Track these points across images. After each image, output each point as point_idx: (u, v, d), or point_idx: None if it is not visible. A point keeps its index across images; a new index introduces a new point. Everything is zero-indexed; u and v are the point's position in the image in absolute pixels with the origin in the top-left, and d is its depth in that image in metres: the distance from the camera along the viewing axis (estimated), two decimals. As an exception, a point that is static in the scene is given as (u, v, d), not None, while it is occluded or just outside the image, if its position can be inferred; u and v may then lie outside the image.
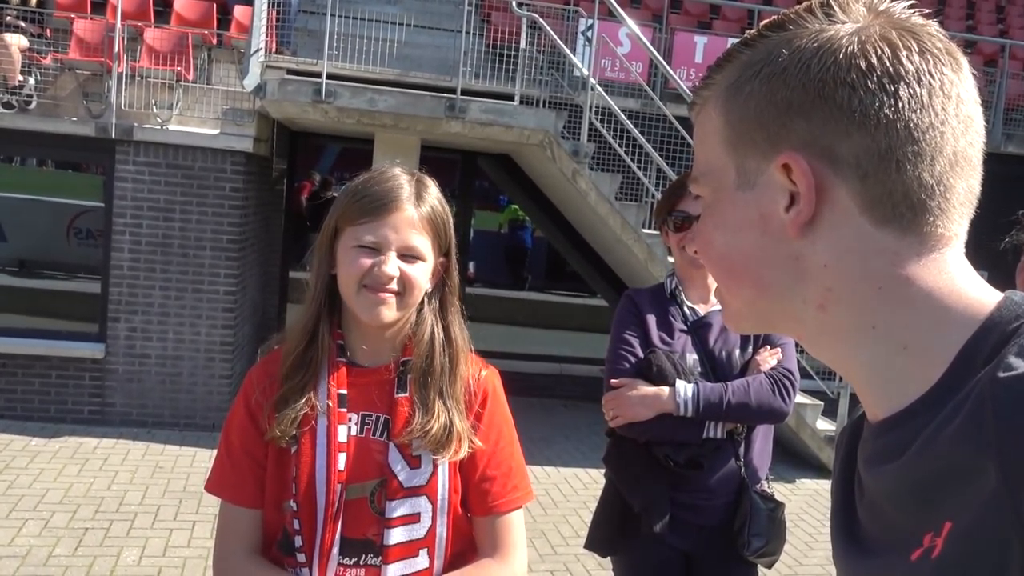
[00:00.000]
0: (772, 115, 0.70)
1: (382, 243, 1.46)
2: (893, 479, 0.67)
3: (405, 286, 1.47)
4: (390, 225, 1.46)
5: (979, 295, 0.68)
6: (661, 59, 7.38)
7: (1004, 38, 10.60)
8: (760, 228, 0.72)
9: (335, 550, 1.46)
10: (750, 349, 2.39)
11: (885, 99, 0.66)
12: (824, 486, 6.72)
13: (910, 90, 0.67)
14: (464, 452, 1.51)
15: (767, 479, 2.45)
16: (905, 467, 0.65)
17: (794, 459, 7.24)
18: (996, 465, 0.57)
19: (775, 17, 0.72)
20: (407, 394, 1.51)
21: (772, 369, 2.33)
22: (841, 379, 7.06)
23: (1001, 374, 0.59)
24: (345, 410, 1.50)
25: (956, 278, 0.69)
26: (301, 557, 1.47)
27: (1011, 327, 0.64)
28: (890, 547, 0.68)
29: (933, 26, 0.70)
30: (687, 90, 7.05)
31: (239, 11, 8.09)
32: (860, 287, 0.69)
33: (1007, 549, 0.56)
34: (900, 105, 0.66)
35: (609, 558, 2.54)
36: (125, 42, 6.95)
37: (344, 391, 1.50)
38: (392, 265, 1.46)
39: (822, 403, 7.18)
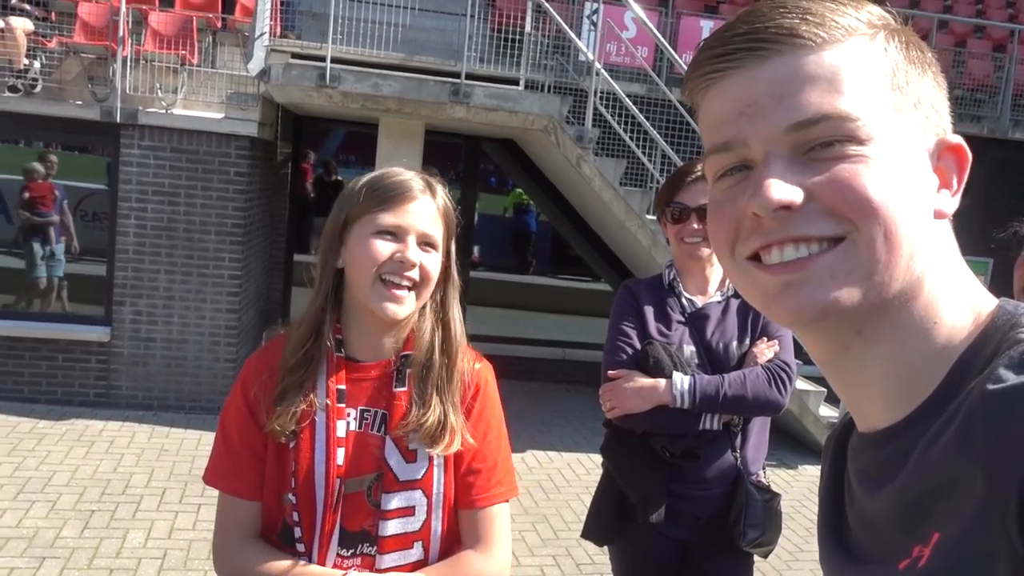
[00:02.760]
0: (937, 92, 0.70)
1: (403, 227, 1.47)
2: (890, 501, 0.67)
3: (423, 276, 1.49)
4: (411, 212, 1.48)
5: (980, 300, 0.69)
6: (666, 44, 7.34)
7: (1013, 23, 10.50)
8: (928, 199, 0.69)
9: (334, 541, 1.49)
10: (747, 341, 2.39)
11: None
12: (826, 472, 6.74)
13: None
14: (456, 447, 1.52)
15: (763, 470, 2.47)
16: (901, 487, 0.66)
17: (797, 445, 7.26)
18: (984, 477, 0.57)
19: None
20: (405, 388, 1.52)
21: (769, 361, 2.33)
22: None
23: (990, 386, 0.59)
24: (344, 406, 1.51)
25: (964, 280, 0.69)
26: (301, 547, 1.49)
27: (1003, 336, 0.64)
28: (879, 556, 0.68)
29: None
30: (692, 75, 6.99)
31: (243, -6, 8.07)
32: (935, 283, 0.68)
33: (993, 560, 0.57)
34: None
35: (606, 547, 2.57)
36: (130, 26, 6.94)
37: (343, 387, 1.51)
38: (414, 252, 1.47)
39: (825, 390, 7.18)
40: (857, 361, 0.70)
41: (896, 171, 0.66)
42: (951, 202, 0.68)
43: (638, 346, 2.35)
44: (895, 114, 0.67)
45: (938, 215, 0.68)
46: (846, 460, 0.76)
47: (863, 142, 0.66)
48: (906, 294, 0.67)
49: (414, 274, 1.47)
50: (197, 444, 6.28)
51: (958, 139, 0.68)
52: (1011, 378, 0.59)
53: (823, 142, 0.67)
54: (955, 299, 0.68)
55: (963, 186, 0.68)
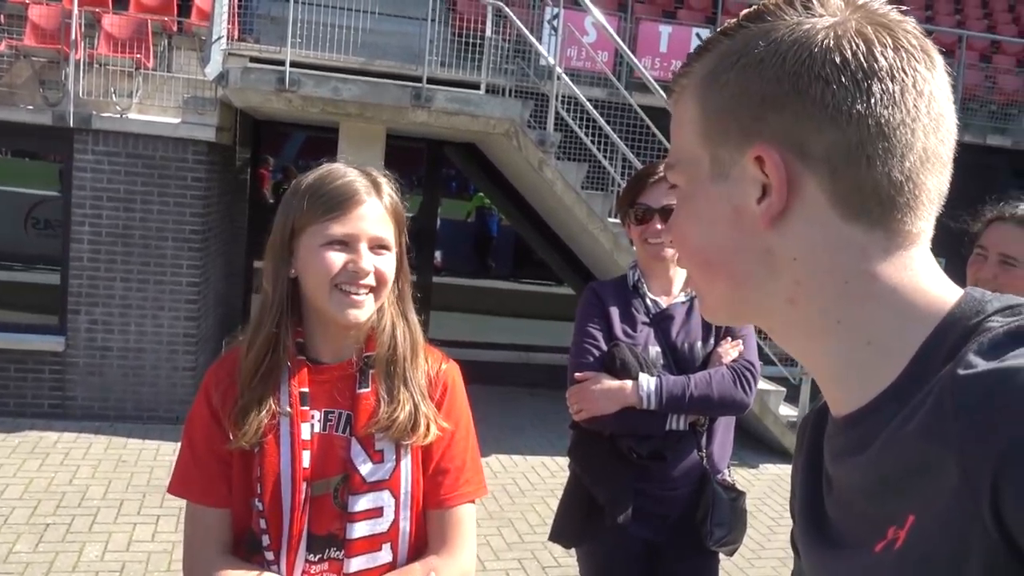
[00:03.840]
0: (747, 107, 0.70)
1: (354, 236, 1.45)
2: (859, 472, 0.69)
3: (378, 280, 1.47)
4: (360, 217, 1.46)
5: (941, 292, 0.70)
6: (626, 49, 7.40)
7: (961, 28, 10.77)
8: (733, 220, 0.72)
9: (303, 546, 1.47)
10: (712, 341, 2.41)
11: (857, 95, 0.67)
12: (787, 471, 6.81)
13: (883, 86, 0.67)
14: (433, 435, 1.51)
15: (728, 469, 2.49)
16: (870, 460, 0.67)
17: (757, 444, 7.34)
18: (957, 462, 0.58)
19: (754, 7, 0.72)
20: (370, 389, 1.51)
21: (734, 361, 2.36)
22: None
23: (961, 371, 0.60)
24: (308, 408, 1.49)
25: (920, 274, 0.70)
26: (269, 555, 1.47)
27: (971, 323, 0.65)
28: (856, 539, 0.69)
29: (910, 23, 0.70)
30: (652, 79, 7.07)
31: (200, -3, 7.96)
32: (827, 281, 0.70)
33: (967, 543, 0.58)
34: (872, 101, 0.67)
35: (573, 550, 2.57)
36: (82, 28, 6.80)
37: (306, 389, 1.50)
38: (367, 259, 1.45)
39: (784, 389, 7.29)
40: (799, 355, 0.76)
41: (701, 205, 0.75)
42: (771, 208, 0.70)
43: (604, 348, 2.35)
44: (704, 150, 0.74)
45: (770, 223, 0.70)
46: (822, 446, 0.78)
47: (681, 185, 0.77)
48: (780, 298, 0.72)
49: (370, 280, 1.46)
50: (155, 454, 6.16)
51: (765, 148, 0.69)
52: (981, 364, 0.60)
53: None
54: (871, 295, 0.69)
55: (784, 189, 0.69)
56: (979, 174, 7.50)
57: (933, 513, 0.60)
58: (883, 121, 0.67)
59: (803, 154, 0.68)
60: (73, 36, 6.57)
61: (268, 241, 1.53)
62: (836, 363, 0.72)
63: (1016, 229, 2.13)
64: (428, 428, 1.50)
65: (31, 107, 6.60)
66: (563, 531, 2.51)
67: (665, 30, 9.09)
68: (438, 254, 9.55)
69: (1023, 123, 9.73)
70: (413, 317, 1.59)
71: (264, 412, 1.45)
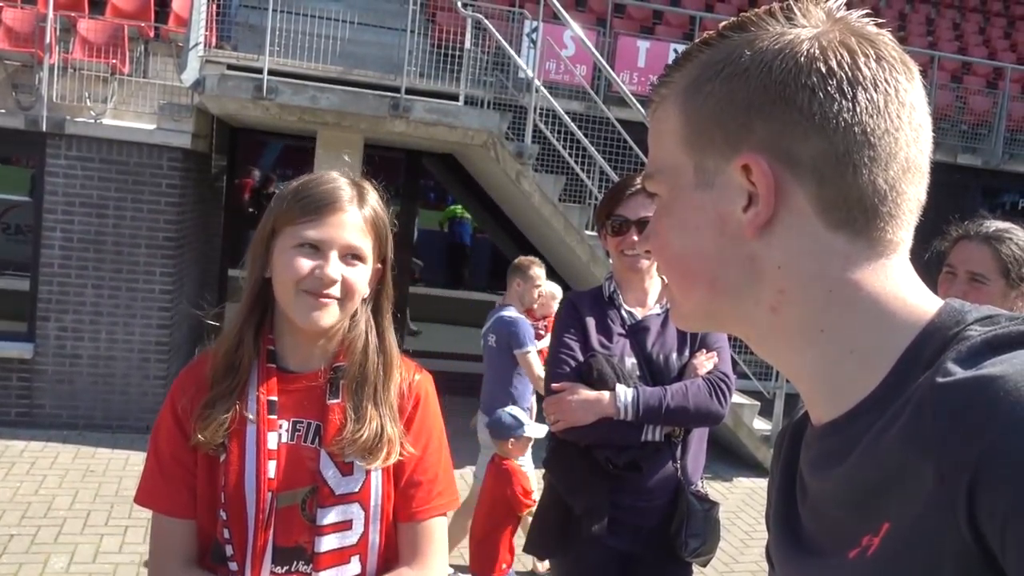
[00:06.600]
0: (732, 115, 0.70)
1: (325, 241, 1.43)
2: (837, 480, 0.69)
3: (345, 290, 1.45)
4: (334, 224, 1.44)
5: (921, 301, 0.70)
6: (604, 63, 7.45)
7: (933, 49, 10.96)
8: (718, 228, 0.72)
9: (267, 558, 1.44)
10: (687, 352, 2.42)
11: (844, 103, 0.67)
12: (760, 484, 6.85)
13: (867, 95, 0.68)
14: (394, 458, 1.49)
15: (701, 480, 2.49)
16: (849, 471, 0.67)
17: (731, 458, 7.37)
18: (934, 468, 0.58)
19: (736, 18, 0.73)
20: (339, 400, 1.48)
21: (709, 373, 2.37)
22: (777, 379, 7.24)
23: (940, 379, 0.61)
24: (275, 417, 1.47)
25: (901, 284, 0.70)
26: (233, 566, 1.44)
27: (950, 332, 0.66)
28: (831, 547, 0.69)
29: (887, 35, 0.71)
30: (629, 94, 7.12)
31: (177, 3, 7.92)
32: (811, 289, 0.70)
33: (941, 548, 0.58)
34: (858, 110, 0.67)
35: (548, 560, 2.56)
36: (57, 33, 6.73)
37: (274, 398, 1.47)
38: (335, 267, 1.43)
39: (758, 403, 7.33)
40: (779, 363, 0.75)
41: (685, 213, 0.74)
42: (758, 217, 0.69)
43: (581, 358, 2.35)
44: (687, 158, 0.74)
45: (756, 232, 0.70)
46: (799, 455, 0.78)
47: (662, 194, 0.77)
48: (762, 306, 0.72)
49: (335, 290, 1.44)
50: (125, 464, 6.07)
51: (753, 156, 0.69)
52: (959, 372, 0.61)
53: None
54: (854, 304, 0.69)
55: (772, 197, 0.68)
56: (950, 193, 7.62)
57: (908, 520, 0.61)
58: (868, 130, 0.68)
59: (790, 162, 0.68)
60: (48, 40, 6.50)
61: (253, 238, 1.52)
62: (817, 371, 0.72)
63: (981, 246, 2.16)
64: (391, 452, 1.47)
65: (3, 111, 6.51)
66: (538, 542, 2.50)
67: (643, 45, 9.16)
68: (415, 265, 9.52)
69: (993, 143, 9.90)
70: (390, 335, 1.56)
71: (228, 412, 1.43)
